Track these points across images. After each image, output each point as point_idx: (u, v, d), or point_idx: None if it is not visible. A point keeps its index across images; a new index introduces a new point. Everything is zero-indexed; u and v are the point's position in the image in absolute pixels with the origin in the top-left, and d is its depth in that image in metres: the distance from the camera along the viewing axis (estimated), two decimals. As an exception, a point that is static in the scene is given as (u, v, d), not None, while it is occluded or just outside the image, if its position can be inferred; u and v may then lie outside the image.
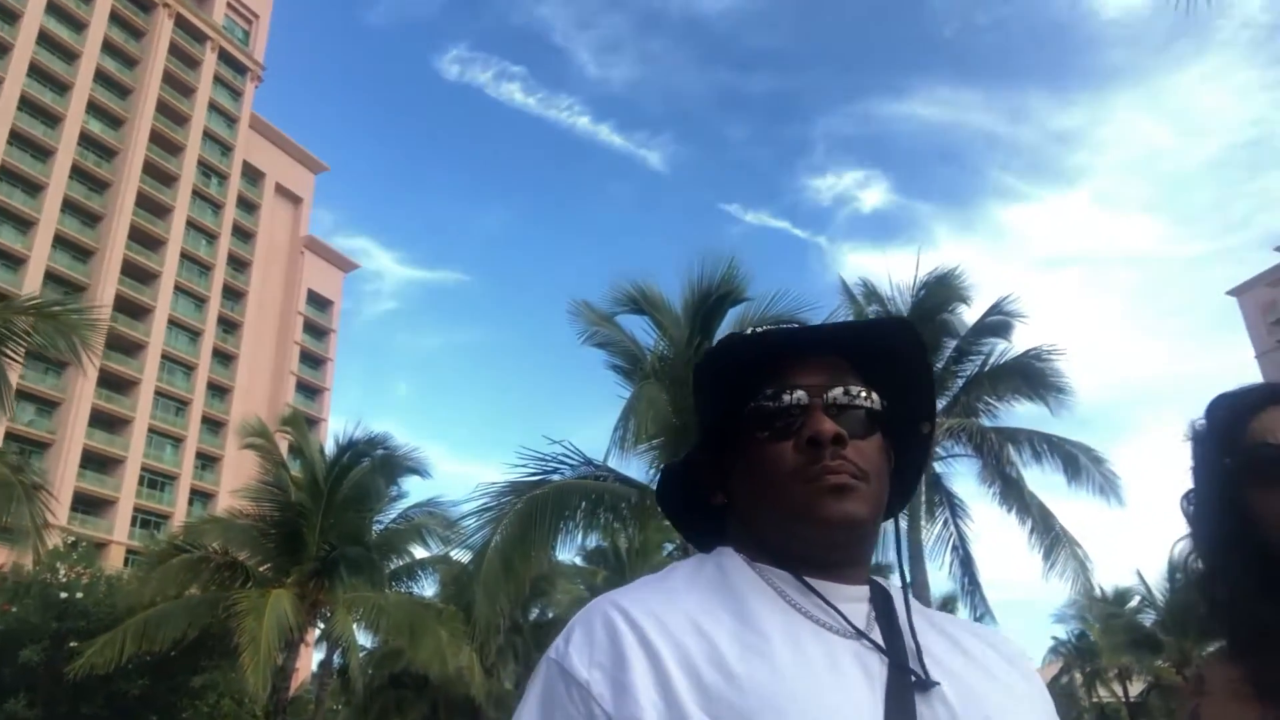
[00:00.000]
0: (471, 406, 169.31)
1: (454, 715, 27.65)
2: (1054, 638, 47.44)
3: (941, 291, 20.53)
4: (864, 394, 1.06)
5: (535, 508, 11.72)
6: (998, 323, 20.28)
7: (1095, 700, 48.96)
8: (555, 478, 12.77)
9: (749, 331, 1.10)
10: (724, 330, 13.18)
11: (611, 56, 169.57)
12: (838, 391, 1.04)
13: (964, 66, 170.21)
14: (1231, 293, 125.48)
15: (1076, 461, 19.21)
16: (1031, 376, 19.47)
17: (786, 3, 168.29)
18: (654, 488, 11.13)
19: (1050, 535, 19.16)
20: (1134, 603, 40.80)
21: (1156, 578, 37.56)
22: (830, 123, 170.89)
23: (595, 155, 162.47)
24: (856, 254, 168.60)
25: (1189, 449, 1.45)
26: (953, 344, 20.59)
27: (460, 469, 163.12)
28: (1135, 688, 45.66)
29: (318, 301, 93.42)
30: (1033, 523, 19.21)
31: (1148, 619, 38.49)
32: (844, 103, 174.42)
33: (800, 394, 1.04)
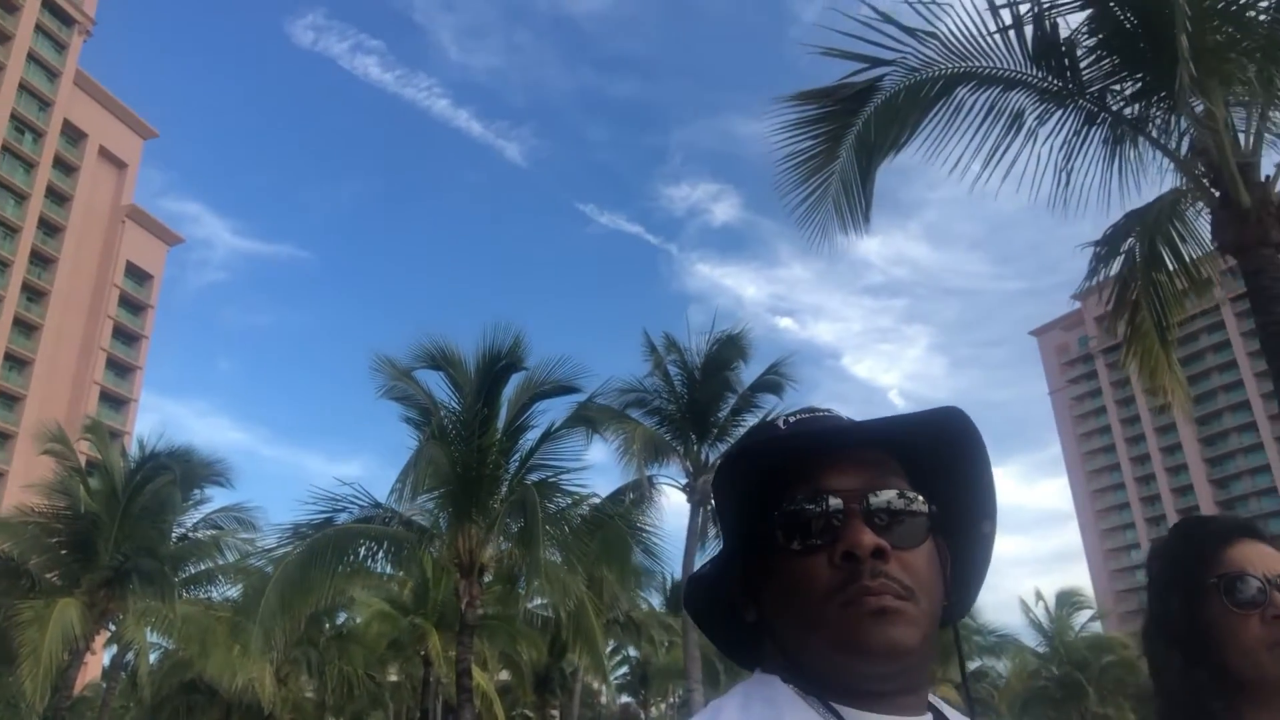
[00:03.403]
0: (300, 390, 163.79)
1: (245, 720, 27.84)
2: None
3: (730, 349, 22.91)
4: (911, 497, 0.91)
5: (317, 550, 12.85)
6: (773, 381, 22.81)
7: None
8: (343, 517, 13.93)
9: (780, 423, 0.96)
10: (507, 394, 14.74)
11: (475, 42, 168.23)
12: (880, 496, 0.90)
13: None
14: (1033, 333, 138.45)
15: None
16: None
17: (654, 13, 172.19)
18: (433, 530, 12.48)
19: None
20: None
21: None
22: (688, 134, 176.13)
23: (452, 141, 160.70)
24: (705, 264, 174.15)
25: (1152, 566, 1.56)
26: (732, 399, 23.01)
27: (282, 453, 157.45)
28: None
29: (137, 274, 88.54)
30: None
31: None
32: (703, 116, 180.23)
33: (835, 500, 0.89)
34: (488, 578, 14.52)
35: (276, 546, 13.24)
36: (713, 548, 23.87)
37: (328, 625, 30.03)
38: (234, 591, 26.91)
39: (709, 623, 1.08)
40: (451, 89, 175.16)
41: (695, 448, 23.32)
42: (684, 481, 23.15)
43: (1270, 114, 7.50)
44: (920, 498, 0.92)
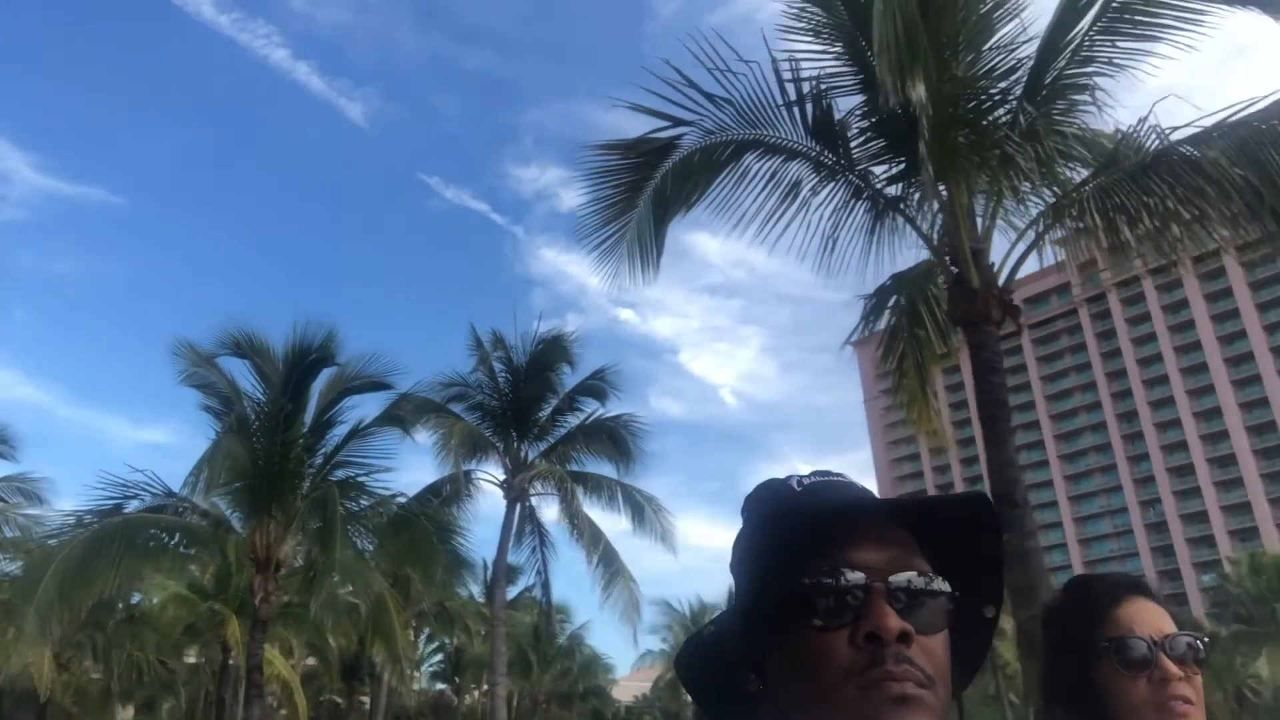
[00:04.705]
0: (106, 346, 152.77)
1: (20, 707, 26.18)
2: (649, 649, 53.36)
3: (554, 350, 23.35)
4: (934, 579, 0.88)
5: (103, 539, 12.41)
6: (597, 386, 23.37)
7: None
8: (134, 505, 13.49)
9: (794, 484, 0.95)
10: (317, 389, 14.65)
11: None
12: (905, 577, 0.87)
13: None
14: (852, 344, 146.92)
15: (643, 511, 22.81)
16: (616, 439, 22.78)
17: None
18: (230, 520, 12.33)
19: (612, 569, 22.63)
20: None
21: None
22: (541, 116, 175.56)
23: (290, 95, 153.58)
24: (551, 249, 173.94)
25: (1045, 624, 1.59)
26: (555, 400, 23.47)
27: (82, 415, 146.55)
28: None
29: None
30: (598, 558, 22.58)
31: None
32: (557, 100, 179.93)
33: (859, 576, 0.85)
34: (298, 562, 14.37)
35: (58, 533, 12.69)
36: (528, 543, 24.33)
37: (120, 606, 28.52)
38: (13, 567, 25.16)
39: (701, 687, 1.03)
40: (292, 39, 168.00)
41: (515, 445, 23.61)
42: (502, 478, 23.41)
43: (1005, 203, 8.65)
44: (943, 580, 0.89)
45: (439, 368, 21.33)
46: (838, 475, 0.96)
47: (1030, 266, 8.90)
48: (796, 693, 0.87)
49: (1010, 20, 8.54)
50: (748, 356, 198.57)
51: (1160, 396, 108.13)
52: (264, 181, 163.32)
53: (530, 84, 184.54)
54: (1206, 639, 1.50)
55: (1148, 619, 1.48)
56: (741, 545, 0.96)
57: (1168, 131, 8.11)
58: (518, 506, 23.47)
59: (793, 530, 0.88)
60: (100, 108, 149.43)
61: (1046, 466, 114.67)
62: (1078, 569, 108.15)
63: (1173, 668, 1.42)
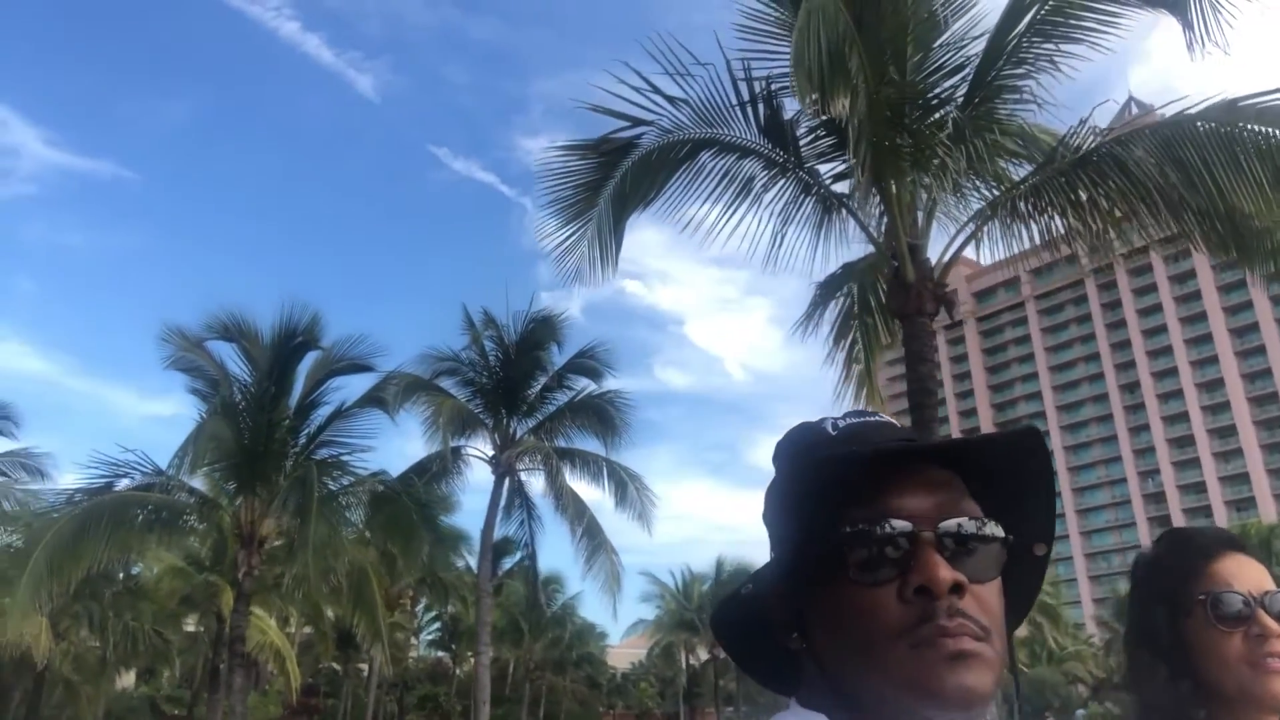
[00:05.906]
0: (114, 318, 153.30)
1: (18, 674, 26.88)
2: (641, 618, 54.38)
3: (544, 330, 23.69)
4: (987, 524, 0.82)
5: (92, 516, 12.88)
6: (588, 365, 23.67)
7: (690, 663, 56.91)
8: (124, 482, 13.97)
9: (829, 427, 0.89)
10: (303, 369, 15.07)
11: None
12: (955, 522, 0.81)
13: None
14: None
15: (626, 488, 23.25)
16: (602, 416, 23.17)
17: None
18: (219, 497, 12.78)
19: (595, 542, 23.14)
20: (705, 588, 49.13)
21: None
22: (550, 86, 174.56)
23: (300, 67, 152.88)
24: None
25: (1137, 575, 1.57)
26: (543, 377, 23.86)
27: (90, 386, 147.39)
28: (703, 655, 53.91)
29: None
30: (582, 531, 23.07)
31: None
32: (566, 69, 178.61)
33: (904, 524, 0.79)
34: (279, 542, 14.89)
35: (51, 509, 13.18)
36: (518, 516, 24.79)
37: (121, 577, 29.12)
38: (19, 540, 25.69)
39: (739, 647, 1.00)
40: (303, 12, 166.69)
41: (504, 421, 23.98)
42: (490, 454, 23.80)
43: (946, 198, 8.96)
44: (995, 524, 0.83)
45: (442, 339, 21.63)
46: (874, 415, 0.91)
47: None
48: (842, 651, 0.81)
49: (962, 16, 8.80)
50: (753, 328, 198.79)
51: (1164, 368, 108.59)
52: (274, 154, 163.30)
53: (539, 54, 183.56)
54: None
55: (1247, 575, 1.45)
56: (775, 495, 0.90)
57: (1103, 131, 8.43)
58: (506, 481, 23.92)
59: (830, 477, 0.83)
60: (111, 82, 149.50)
61: (1047, 437, 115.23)
62: (1074, 540, 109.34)
63: (1272, 624, 1.39)
